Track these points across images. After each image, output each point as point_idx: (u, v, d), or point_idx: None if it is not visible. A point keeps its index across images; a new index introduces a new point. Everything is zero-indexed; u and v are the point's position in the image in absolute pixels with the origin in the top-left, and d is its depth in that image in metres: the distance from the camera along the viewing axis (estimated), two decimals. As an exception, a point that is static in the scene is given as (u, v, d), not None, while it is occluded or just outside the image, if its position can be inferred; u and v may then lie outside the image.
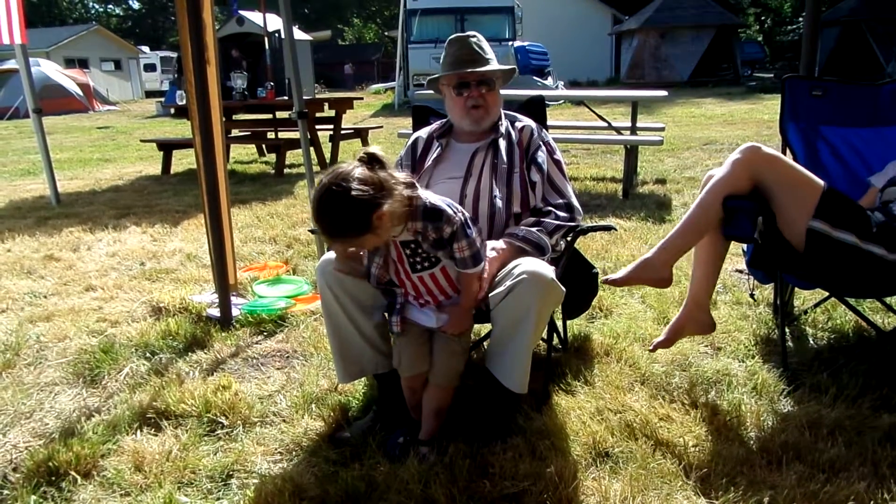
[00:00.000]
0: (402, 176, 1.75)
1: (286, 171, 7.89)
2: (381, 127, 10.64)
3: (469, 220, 1.83)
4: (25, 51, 5.84)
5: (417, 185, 1.81)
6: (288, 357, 2.73)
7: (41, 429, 2.21)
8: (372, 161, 1.68)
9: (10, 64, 19.90)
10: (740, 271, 3.49)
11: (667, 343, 2.50)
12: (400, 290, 1.98)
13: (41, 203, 6.28)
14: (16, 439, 2.14)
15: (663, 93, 6.49)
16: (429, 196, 1.80)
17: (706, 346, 2.68)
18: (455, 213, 1.80)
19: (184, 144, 7.98)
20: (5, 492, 1.87)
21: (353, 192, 1.59)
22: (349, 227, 1.64)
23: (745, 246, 2.70)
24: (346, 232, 1.66)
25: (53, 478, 1.91)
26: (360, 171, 1.65)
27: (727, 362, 2.52)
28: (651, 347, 2.53)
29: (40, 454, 1.99)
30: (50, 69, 21.69)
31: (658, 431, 2.05)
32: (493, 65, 2.33)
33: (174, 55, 35.27)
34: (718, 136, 9.39)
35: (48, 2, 51.51)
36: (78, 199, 6.44)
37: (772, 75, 22.08)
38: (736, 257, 3.67)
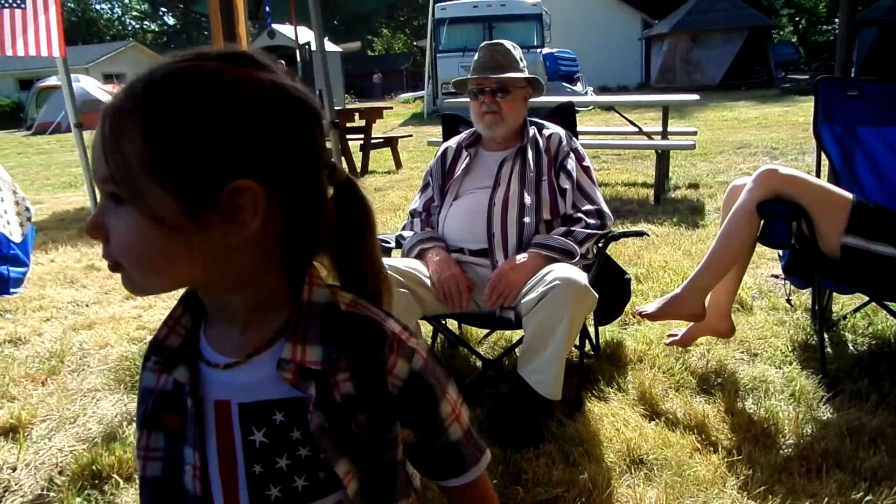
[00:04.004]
0: None
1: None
2: (411, 136, 10.70)
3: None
4: (67, 66, 6.00)
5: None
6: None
7: (85, 433, 2.27)
8: None
9: (52, 80, 20.50)
10: (776, 276, 3.43)
11: (683, 343, 2.50)
12: None
13: (83, 214, 6.44)
14: (61, 443, 2.20)
15: (695, 97, 6.41)
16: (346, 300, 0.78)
17: (742, 352, 2.64)
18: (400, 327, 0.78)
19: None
20: (52, 494, 1.93)
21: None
22: None
23: (780, 251, 2.66)
24: None
25: (97, 481, 1.96)
26: None
27: (764, 368, 2.47)
28: (667, 341, 2.52)
29: (84, 458, 2.05)
30: (89, 85, 22.24)
31: (693, 438, 2.03)
32: (512, 73, 2.31)
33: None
34: (752, 140, 9.24)
35: (87, 21, 53.13)
36: (117, 211, 6.60)
37: (807, 77, 21.65)
38: (772, 262, 3.61)
